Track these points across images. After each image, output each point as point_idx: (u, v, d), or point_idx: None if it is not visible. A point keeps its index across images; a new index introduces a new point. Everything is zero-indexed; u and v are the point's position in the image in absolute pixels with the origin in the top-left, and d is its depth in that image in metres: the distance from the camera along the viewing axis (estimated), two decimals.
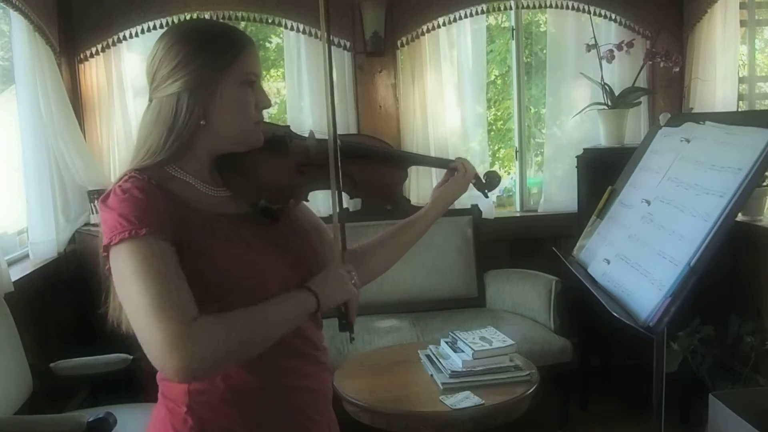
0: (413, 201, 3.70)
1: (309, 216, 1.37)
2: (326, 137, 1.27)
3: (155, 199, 1.08)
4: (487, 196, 1.63)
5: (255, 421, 1.17)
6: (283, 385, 1.19)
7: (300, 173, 1.26)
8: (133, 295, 1.02)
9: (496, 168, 4.69)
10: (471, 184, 1.55)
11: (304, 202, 1.34)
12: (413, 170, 3.79)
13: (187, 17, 3.62)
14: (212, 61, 1.13)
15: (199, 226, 1.11)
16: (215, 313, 1.07)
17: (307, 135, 1.31)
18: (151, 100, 1.17)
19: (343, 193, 1.30)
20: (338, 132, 1.26)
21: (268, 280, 1.16)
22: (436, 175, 3.65)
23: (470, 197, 3.74)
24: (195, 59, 1.12)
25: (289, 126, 1.34)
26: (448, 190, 1.48)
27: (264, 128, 1.23)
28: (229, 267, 1.11)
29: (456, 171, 1.47)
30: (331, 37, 3.91)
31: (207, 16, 3.57)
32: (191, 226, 1.10)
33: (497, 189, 1.62)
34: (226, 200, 1.20)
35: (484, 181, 1.57)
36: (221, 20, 3.51)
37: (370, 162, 1.36)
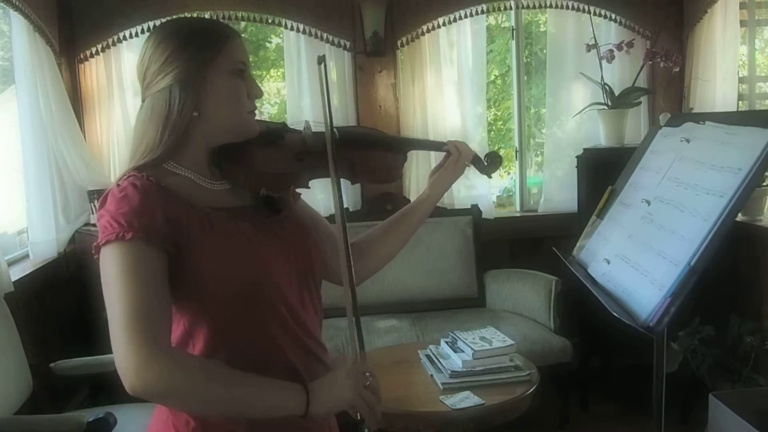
0: (413, 200, 3.70)
1: (309, 210, 1.37)
2: (322, 130, 1.27)
3: (152, 199, 1.08)
4: (490, 177, 1.62)
5: (257, 423, 1.16)
6: None
7: (299, 160, 1.26)
8: (112, 300, 1.03)
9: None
10: (474, 167, 1.54)
11: (304, 197, 1.34)
12: (412, 165, 3.79)
13: (168, 19, 3.62)
14: (199, 52, 1.14)
15: (198, 223, 1.11)
16: (198, 355, 1.09)
17: (302, 128, 1.31)
18: (144, 100, 1.18)
19: (345, 179, 1.30)
20: (337, 125, 1.27)
21: (270, 273, 1.16)
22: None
23: (470, 197, 3.75)
24: (183, 52, 1.14)
25: (284, 122, 1.34)
26: (444, 174, 1.46)
27: (259, 124, 1.23)
28: (230, 262, 1.11)
29: (450, 155, 1.46)
30: (331, 38, 3.87)
31: (207, 16, 3.57)
32: (191, 224, 1.10)
33: (499, 169, 1.61)
34: (226, 193, 1.20)
35: (485, 163, 1.56)
36: (220, 20, 3.51)
37: (368, 148, 1.36)
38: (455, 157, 1.45)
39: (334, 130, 1.27)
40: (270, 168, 1.23)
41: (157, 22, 3.56)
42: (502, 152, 4.79)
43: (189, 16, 3.45)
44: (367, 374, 1.15)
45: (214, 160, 1.21)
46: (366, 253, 1.41)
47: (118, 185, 1.11)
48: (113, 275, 1.04)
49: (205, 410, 1.10)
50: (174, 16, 3.57)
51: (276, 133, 1.26)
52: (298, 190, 1.34)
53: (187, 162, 1.18)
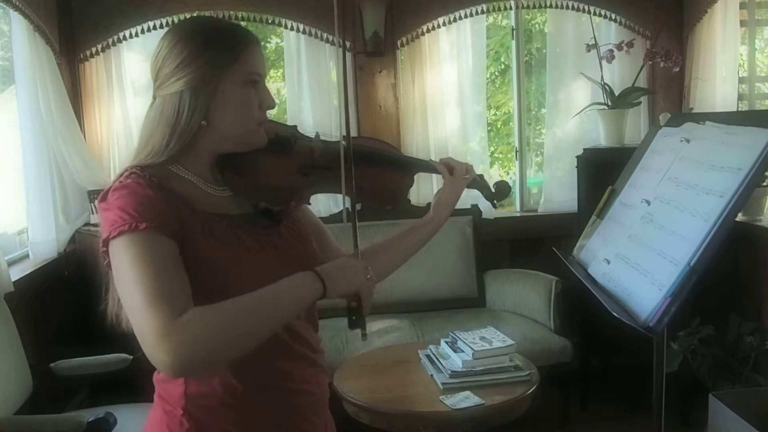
0: (413, 201, 3.70)
1: (310, 218, 1.36)
2: (332, 139, 1.25)
3: (157, 196, 1.08)
4: (495, 206, 1.61)
5: (252, 425, 1.16)
6: (281, 388, 1.19)
7: (303, 175, 1.24)
8: (129, 288, 1.01)
9: (495, 168, 4.69)
10: (480, 194, 1.55)
11: (306, 205, 1.33)
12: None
13: (187, 17, 3.62)
14: (215, 59, 1.12)
15: (199, 227, 1.10)
16: (208, 305, 1.01)
17: (312, 136, 1.29)
18: (154, 98, 1.16)
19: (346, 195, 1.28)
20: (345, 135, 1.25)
21: (267, 284, 1.15)
22: (437, 176, 3.65)
23: (470, 197, 3.75)
24: (198, 57, 1.11)
25: (296, 126, 1.31)
26: (444, 194, 1.46)
27: (269, 127, 1.21)
28: (226, 270, 1.10)
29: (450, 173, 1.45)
30: (331, 38, 3.88)
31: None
32: (191, 227, 1.09)
33: (506, 199, 1.60)
34: (228, 200, 1.19)
35: (493, 190, 1.56)
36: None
37: (378, 167, 1.34)
38: (452, 175, 1.45)
39: (343, 142, 1.25)
40: (272, 181, 1.21)
41: (157, 22, 3.58)
42: (500, 152, 4.80)
43: (208, 15, 3.43)
44: (367, 266, 1.17)
45: (217, 166, 1.20)
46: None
47: (121, 182, 1.09)
48: (128, 264, 1.01)
49: (248, 342, 1.03)
50: (174, 17, 3.59)
51: (284, 143, 1.23)
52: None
53: (191, 165, 1.17)
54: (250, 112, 1.16)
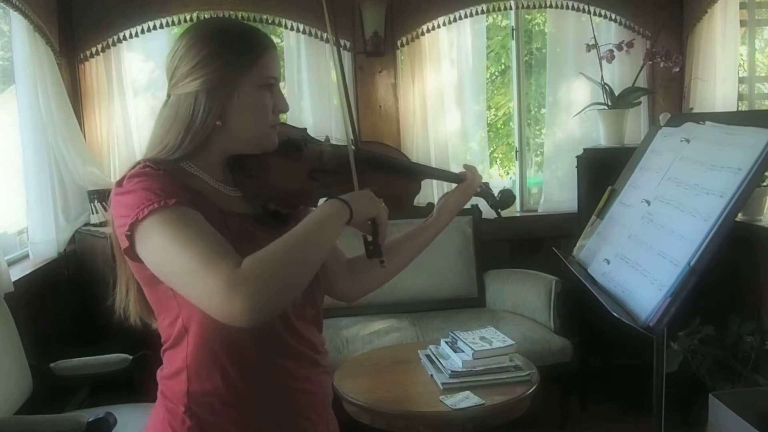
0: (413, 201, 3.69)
1: None
2: (341, 143, 1.26)
3: (177, 182, 1.09)
4: (499, 215, 1.61)
5: (254, 423, 1.16)
6: (283, 387, 1.19)
7: (312, 179, 1.24)
8: (178, 259, 1.01)
9: (495, 168, 4.69)
10: (485, 201, 1.56)
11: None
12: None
13: (188, 17, 3.63)
14: (232, 62, 1.13)
15: (215, 219, 1.11)
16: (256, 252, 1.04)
17: (322, 140, 1.30)
18: (169, 96, 1.17)
19: None
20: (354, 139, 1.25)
21: None
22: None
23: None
24: (215, 59, 1.12)
25: (305, 128, 1.32)
26: (452, 199, 1.46)
27: (280, 130, 1.22)
28: None
29: (463, 180, 1.46)
30: (333, 38, 3.83)
31: (206, 16, 3.57)
32: (209, 218, 1.09)
33: (509, 208, 1.60)
34: (238, 200, 1.20)
35: (498, 198, 1.56)
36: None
37: (386, 173, 1.34)
38: (468, 183, 1.45)
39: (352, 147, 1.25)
40: (282, 184, 1.22)
41: (157, 22, 3.58)
42: (499, 153, 4.80)
43: (226, 17, 3.43)
44: (381, 199, 1.21)
45: (229, 166, 1.21)
46: (368, 270, 1.39)
47: (137, 171, 1.10)
48: (169, 238, 1.02)
49: (302, 276, 1.07)
50: (175, 17, 3.59)
51: (294, 146, 1.24)
52: None
53: (202, 164, 1.18)
54: (264, 115, 1.17)
